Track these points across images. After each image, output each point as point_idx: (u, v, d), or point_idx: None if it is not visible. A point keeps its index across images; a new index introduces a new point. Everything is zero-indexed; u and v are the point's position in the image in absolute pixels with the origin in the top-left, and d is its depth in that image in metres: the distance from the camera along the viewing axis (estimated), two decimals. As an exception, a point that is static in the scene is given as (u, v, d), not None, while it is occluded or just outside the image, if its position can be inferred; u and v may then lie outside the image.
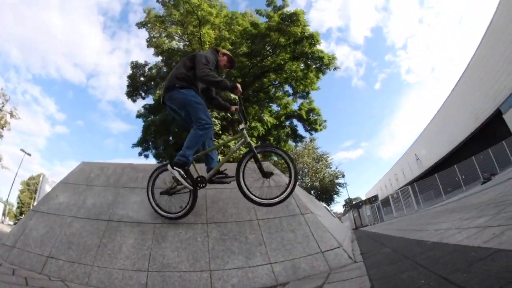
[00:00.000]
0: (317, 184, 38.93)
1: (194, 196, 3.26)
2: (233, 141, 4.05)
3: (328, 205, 36.46)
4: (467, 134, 34.07)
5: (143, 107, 28.98)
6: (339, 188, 41.54)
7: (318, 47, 22.57)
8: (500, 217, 2.63)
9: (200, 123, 3.19)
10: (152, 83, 27.24)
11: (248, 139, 3.28)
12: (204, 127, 3.21)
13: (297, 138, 29.30)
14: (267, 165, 3.61)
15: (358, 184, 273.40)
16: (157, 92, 26.48)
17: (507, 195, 4.20)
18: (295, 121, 28.02)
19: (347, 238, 6.29)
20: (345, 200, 50.08)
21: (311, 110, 26.34)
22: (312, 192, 37.72)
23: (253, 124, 22.45)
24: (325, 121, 26.86)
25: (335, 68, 23.57)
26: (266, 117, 22.70)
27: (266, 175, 3.19)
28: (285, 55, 23.00)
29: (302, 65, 23.53)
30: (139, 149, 27.50)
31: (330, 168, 42.29)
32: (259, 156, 3.18)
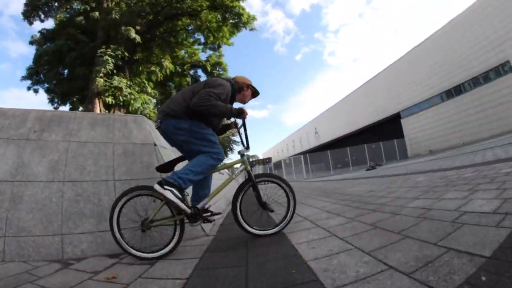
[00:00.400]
0: None
1: (182, 229, 2.58)
2: (233, 166, 3.44)
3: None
4: (366, 124, 38.93)
5: (40, 32, 23.38)
6: (233, 145, 41.04)
7: (241, 3, 21.03)
8: (351, 226, 2.54)
9: (216, 154, 2.67)
10: (56, 3, 21.87)
11: (249, 167, 2.87)
12: (219, 158, 2.70)
13: None
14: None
15: (258, 143, 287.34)
16: (59, 15, 22.19)
17: (374, 196, 4.33)
18: (199, 72, 26.34)
19: (222, 201, 6.10)
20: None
21: (218, 64, 25.23)
22: None
23: (152, 68, 21.20)
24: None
25: (251, 29, 22.26)
26: (166, 63, 21.19)
27: (264, 206, 2.81)
28: (204, 2, 20.94)
29: (219, 16, 21.63)
30: (29, 82, 22.86)
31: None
32: (258, 185, 2.83)
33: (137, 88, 20.09)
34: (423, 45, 30.14)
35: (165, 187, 2.40)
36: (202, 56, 25.67)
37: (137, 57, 20.99)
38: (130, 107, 18.11)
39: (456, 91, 27.00)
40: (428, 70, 29.13)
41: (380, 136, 31.06)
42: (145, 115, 15.38)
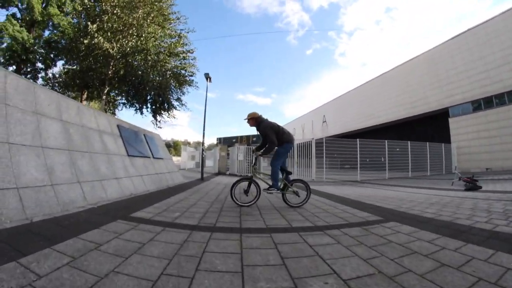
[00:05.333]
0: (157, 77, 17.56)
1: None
2: None
3: (159, 113, 19.22)
4: (394, 118, 29.99)
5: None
6: (187, 86, 19.02)
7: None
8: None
9: None
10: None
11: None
12: None
13: None
14: None
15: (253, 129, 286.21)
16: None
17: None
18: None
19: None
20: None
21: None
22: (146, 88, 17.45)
23: None
24: None
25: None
26: None
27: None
28: None
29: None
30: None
31: (181, 58, 18.43)
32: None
33: None
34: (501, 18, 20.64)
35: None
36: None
37: None
38: None
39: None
40: (502, 54, 19.98)
41: (410, 138, 21.14)
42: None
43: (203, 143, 15.82)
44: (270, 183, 5.21)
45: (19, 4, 20.43)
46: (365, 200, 5.93)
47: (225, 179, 13.34)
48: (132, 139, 8.24)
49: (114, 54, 15.09)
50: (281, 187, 5.24)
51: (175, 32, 17.64)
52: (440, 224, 3.55)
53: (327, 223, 3.73)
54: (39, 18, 20.52)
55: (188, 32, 17.70)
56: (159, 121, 19.30)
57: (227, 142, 21.64)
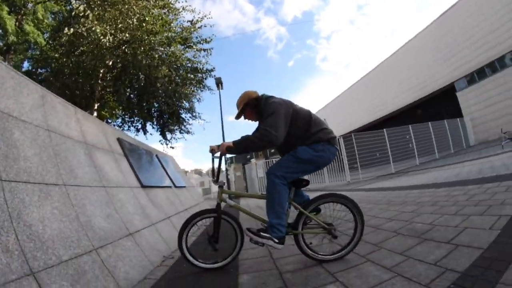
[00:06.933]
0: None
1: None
2: None
3: (169, 128, 14.48)
4: (401, 105, 29.19)
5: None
6: (202, 81, 13.60)
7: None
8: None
9: None
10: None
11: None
12: None
13: None
14: None
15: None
16: None
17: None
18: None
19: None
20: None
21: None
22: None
23: None
24: None
25: None
26: None
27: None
28: None
29: None
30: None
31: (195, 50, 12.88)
32: None
33: None
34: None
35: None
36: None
37: None
38: None
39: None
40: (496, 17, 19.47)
41: (425, 119, 18.66)
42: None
43: (224, 162, 13.83)
44: (265, 218, 2.48)
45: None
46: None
47: (255, 202, 11.85)
48: (144, 161, 5.44)
49: (108, 43, 10.09)
50: (290, 224, 2.45)
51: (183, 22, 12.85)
52: None
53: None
54: (14, 39, 17.52)
55: (202, 18, 12.38)
56: (169, 140, 14.58)
57: (240, 160, 20.23)
